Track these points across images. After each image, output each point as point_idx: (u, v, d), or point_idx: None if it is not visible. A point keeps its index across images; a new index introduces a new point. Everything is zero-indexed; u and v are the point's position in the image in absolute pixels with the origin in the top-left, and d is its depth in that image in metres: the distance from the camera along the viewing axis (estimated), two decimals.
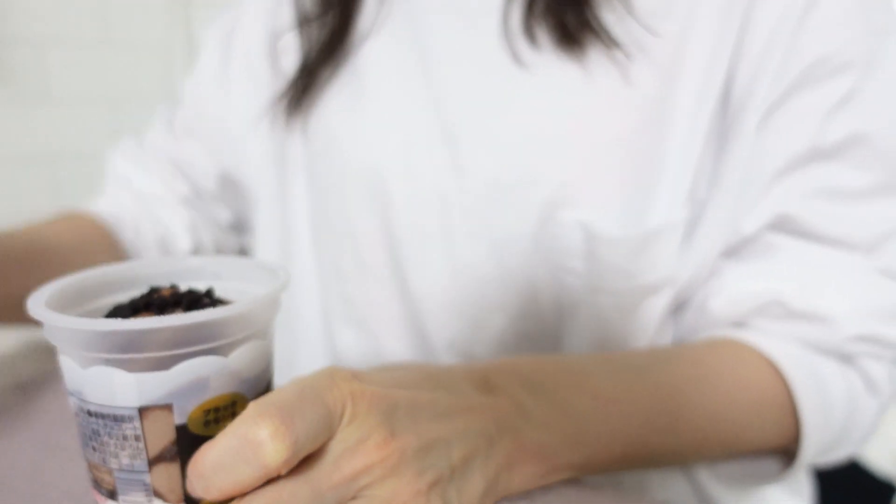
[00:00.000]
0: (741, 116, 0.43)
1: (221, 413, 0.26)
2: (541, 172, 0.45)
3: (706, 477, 0.49)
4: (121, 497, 0.26)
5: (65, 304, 0.28)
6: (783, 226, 0.44)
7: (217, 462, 0.24)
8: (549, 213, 0.45)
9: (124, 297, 0.31)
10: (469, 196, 0.47)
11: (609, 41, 0.43)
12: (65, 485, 0.36)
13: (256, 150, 0.59)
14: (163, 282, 0.32)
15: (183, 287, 0.31)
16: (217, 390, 0.26)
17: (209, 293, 0.30)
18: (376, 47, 0.53)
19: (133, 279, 0.32)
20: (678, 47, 0.43)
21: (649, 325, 0.46)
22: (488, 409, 0.31)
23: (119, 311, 0.29)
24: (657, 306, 0.46)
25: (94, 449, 0.26)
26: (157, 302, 0.28)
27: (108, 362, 0.24)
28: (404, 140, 0.50)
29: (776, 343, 0.42)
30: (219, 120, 0.62)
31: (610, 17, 0.44)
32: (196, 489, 0.24)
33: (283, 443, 0.24)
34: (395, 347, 0.53)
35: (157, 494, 0.26)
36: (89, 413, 0.26)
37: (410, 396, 0.30)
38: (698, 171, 0.44)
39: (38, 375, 0.50)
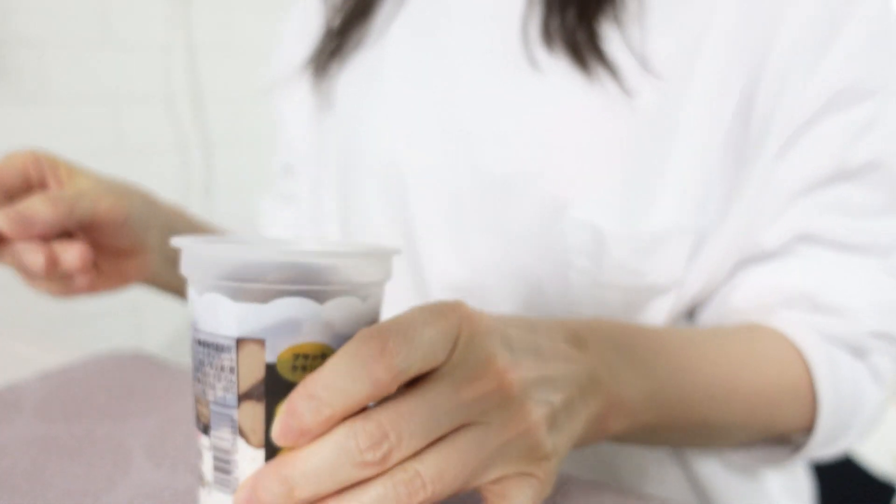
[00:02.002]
0: (763, 134, 0.44)
1: (310, 362, 0.27)
2: (546, 170, 0.46)
3: (708, 470, 0.50)
4: (212, 432, 0.28)
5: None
6: (805, 240, 0.45)
7: (328, 380, 0.24)
8: (556, 211, 0.46)
9: None
10: (481, 192, 0.49)
11: (612, 68, 0.44)
12: (65, 484, 0.36)
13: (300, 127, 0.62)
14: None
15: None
16: (308, 336, 0.26)
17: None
18: (397, 36, 0.54)
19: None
20: (687, 60, 0.44)
21: (655, 325, 0.47)
22: (581, 361, 0.32)
23: None
24: (663, 308, 0.47)
25: (198, 381, 0.28)
26: None
27: (218, 288, 0.27)
28: (421, 135, 0.51)
29: (804, 334, 0.44)
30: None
31: (616, 35, 0.45)
32: (304, 412, 0.24)
33: (393, 360, 0.24)
34: None
35: (242, 433, 0.27)
36: (199, 342, 0.28)
37: (517, 334, 0.30)
38: (712, 182, 0.45)
39: (38, 375, 0.50)
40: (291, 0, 0.67)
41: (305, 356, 0.27)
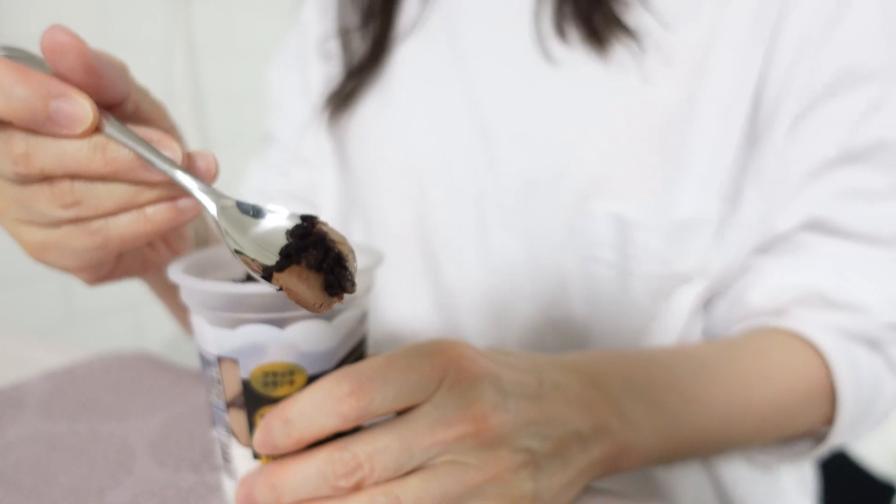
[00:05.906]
0: (772, 119, 0.44)
1: (279, 378, 0.29)
2: (570, 166, 0.46)
3: (728, 468, 0.50)
4: (216, 428, 0.32)
5: (214, 267, 0.34)
6: (815, 226, 0.45)
7: (302, 409, 0.27)
8: (580, 206, 0.46)
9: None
10: (504, 191, 0.49)
11: (630, 34, 0.44)
12: (68, 482, 0.36)
13: (314, 145, 0.60)
14: None
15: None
16: (274, 357, 0.29)
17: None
18: (411, 49, 0.54)
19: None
20: (703, 52, 0.44)
21: (680, 316, 0.47)
22: (586, 409, 0.33)
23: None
24: (689, 297, 0.47)
25: (203, 384, 0.32)
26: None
27: (199, 313, 0.30)
28: (440, 139, 0.52)
29: (820, 332, 0.44)
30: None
31: (634, 20, 0.45)
32: (277, 433, 0.28)
33: (361, 402, 0.27)
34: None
35: (233, 434, 0.31)
36: (199, 353, 0.31)
37: (514, 376, 0.31)
38: (733, 169, 0.45)
39: (40, 375, 0.50)
40: (291, 0, 0.67)
41: (274, 374, 0.29)
